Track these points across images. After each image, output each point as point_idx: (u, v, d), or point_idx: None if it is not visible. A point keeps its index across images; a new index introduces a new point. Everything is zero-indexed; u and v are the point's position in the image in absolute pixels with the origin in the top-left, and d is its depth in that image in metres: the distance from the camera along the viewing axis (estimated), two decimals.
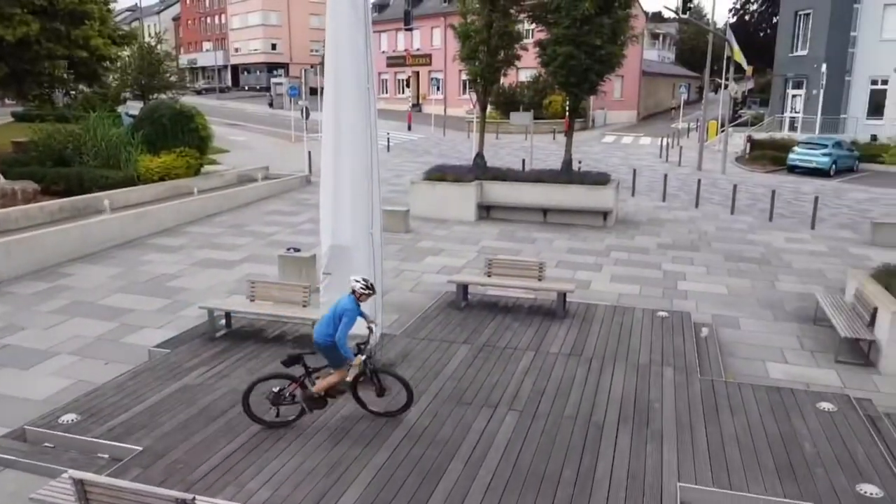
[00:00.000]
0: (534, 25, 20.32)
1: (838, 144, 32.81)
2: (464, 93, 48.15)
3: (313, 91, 32.36)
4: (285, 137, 37.78)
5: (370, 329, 7.43)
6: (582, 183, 19.31)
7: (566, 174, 19.90)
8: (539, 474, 6.47)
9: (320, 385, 7.19)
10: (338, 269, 8.14)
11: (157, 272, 13.92)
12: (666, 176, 24.38)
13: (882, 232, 17.64)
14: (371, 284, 7.17)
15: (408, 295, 12.57)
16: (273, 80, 69.65)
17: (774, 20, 56.17)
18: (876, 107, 38.41)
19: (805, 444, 7.10)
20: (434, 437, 7.12)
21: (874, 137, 36.12)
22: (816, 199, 20.49)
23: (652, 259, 15.49)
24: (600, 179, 19.51)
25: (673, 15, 41.42)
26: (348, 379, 7.21)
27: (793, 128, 41.16)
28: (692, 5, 37.09)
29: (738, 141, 37.92)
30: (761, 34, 72.37)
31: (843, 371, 9.61)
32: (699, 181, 23.51)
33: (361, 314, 7.21)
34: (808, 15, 40.67)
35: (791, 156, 32.61)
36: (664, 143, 36.79)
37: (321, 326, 7.10)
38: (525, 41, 20.53)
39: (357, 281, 7.09)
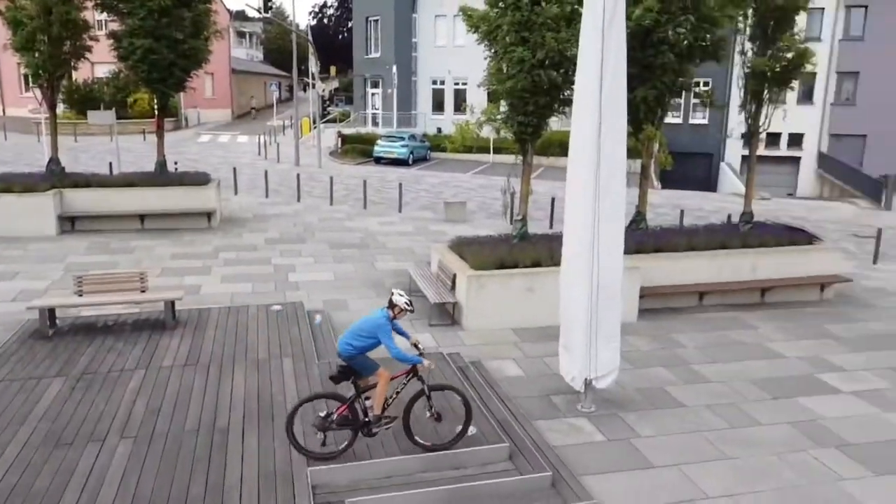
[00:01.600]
0: (105, 15, 18.42)
1: (413, 137, 37.47)
2: (27, 90, 41.38)
3: None
4: None
5: (416, 346, 7.02)
6: (180, 184, 18.35)
7: (162, 176, 18.65)
8: (163, 499, 5.99)
9: (377, 403, 6.70)
10: None
11: None
12: (266, 172, 24.67)
13: (452, 210, 20.71)
14: (412, 302, 6.81)
15: None
16: None
17: (350, 24, 60.93)
18: (438, 104, 44.66)
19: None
20: (27, 492, 6.04)
21: (439, 130, 42.01)
22: (400, 185, 23.05)
23: (261, 255, 15.55)
24: (200, 179, 18.79)
25: (257, 14, 41.85)
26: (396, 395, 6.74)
27: (375, 123, 45.44)
28: (273, 5, 37.93)
29: (330, 136, 40.32)
30: (340, 37, 77.88)
31: (436, 332, 10.99)
32: (298, 176, 24.36)
33: (401, 331, 6.93)
34: (376, 21, 45.05)
35: (376, 148, 36.12)
36: (262, 140, 37.18)
37: (345, 339, 6.69)
38: (97, 32, 18.49)
39: (401, 296, 6.73)
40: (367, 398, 6.80)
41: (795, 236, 14.14)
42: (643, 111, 13.08)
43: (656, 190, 29.85)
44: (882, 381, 9.64)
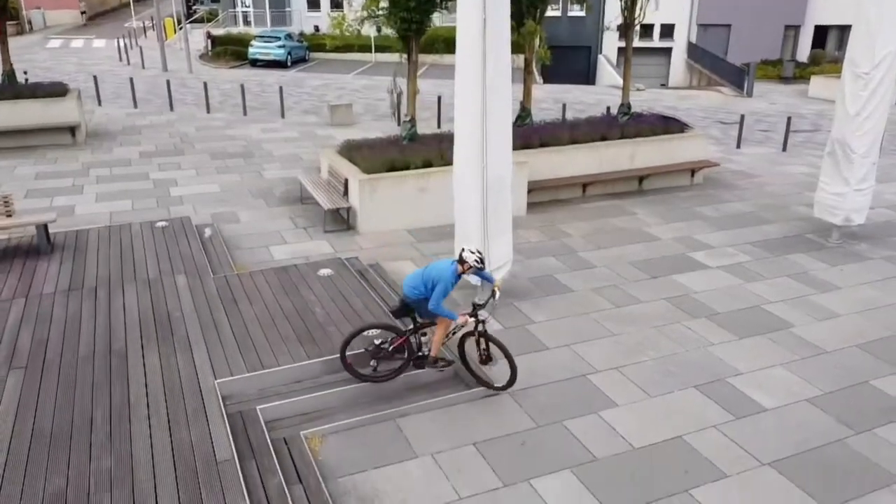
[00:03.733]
0: None
1: (289, 37, 35.50)
2: None
3: None
4: None
5: (494, 293, 6.76)
6: (34, 97, 16.67)
7: (11, 88, 16.87)
8: (66, 425, 5.84)
9: (434, 348, 6.77)
10: None
11: None
12: (132, 80, 22.82)
13: (338, 113, 20.13)
14: (483, 259, 6.55)
15: None
16: None
17: None
18: (313, 1, 42.30)
19: (316, 310, 8.02)
20: None
21: (317, 28, 40.01)
22: (281, 89, 22.06)
23: (138, 170, 14.66)
24: (56, 90, 17.15)
25: None
26: (452, 336, 6.80)
27: (247, 22, 42.60)
28: None
29: (198, 38, 37.56)
30: None
31: (332, 238, 10.97)
32: (168, 82, 22.72)
33: (485, 276, 6.94)
34: None
35: (251, 50, 34.06)
36: (122, 44, 34.12)
37: (410, 280, 6.57)
38: None
39: (472, 252, 6.48)
40: (423, 334, 6.84)
41: (669, 125, 14.91)
42: (525, 5, 13.03)
43: (539, 85, 30.24)
44: (744, 255, 10.64)
